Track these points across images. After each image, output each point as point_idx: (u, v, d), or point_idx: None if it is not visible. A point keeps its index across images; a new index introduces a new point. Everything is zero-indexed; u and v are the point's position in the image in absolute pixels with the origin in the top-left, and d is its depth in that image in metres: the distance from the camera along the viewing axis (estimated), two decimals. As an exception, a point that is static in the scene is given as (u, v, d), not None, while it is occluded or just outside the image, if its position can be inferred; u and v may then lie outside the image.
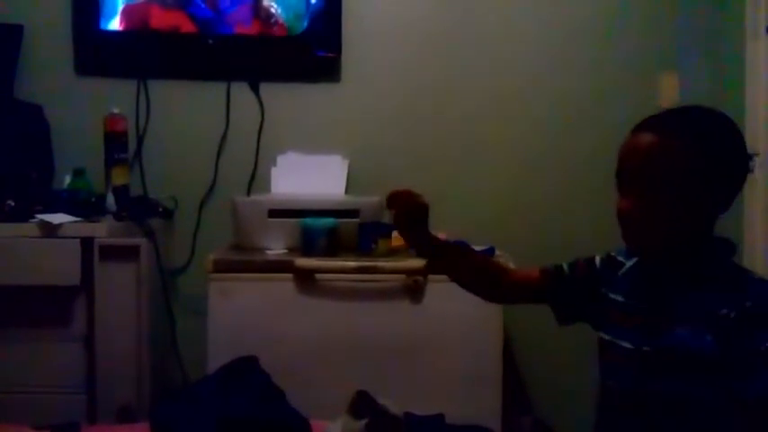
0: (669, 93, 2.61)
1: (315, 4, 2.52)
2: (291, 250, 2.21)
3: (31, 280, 2.07)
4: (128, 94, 2.56)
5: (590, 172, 2.55)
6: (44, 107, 2.46)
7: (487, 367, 2.10)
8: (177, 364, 2.53)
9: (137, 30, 2.49)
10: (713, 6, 2.63)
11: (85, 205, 2.24)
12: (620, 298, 1.36)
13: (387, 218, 2.28)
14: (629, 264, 1.40)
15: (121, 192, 2.36)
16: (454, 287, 1.54)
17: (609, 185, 1.35)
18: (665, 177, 1.22)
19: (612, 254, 1.44)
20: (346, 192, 2.52)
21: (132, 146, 2.51)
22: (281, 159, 2.57)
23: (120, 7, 2.48)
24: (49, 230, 2.08)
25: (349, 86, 2.63)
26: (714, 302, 1.22)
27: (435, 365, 2.08)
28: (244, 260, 2.15)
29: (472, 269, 1.55)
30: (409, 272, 2.09)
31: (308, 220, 2.19)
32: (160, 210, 2.48)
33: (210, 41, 2.51)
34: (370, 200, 2.31)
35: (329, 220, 2.19)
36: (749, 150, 2.31)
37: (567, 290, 1.46)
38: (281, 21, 2.52)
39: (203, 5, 2.49)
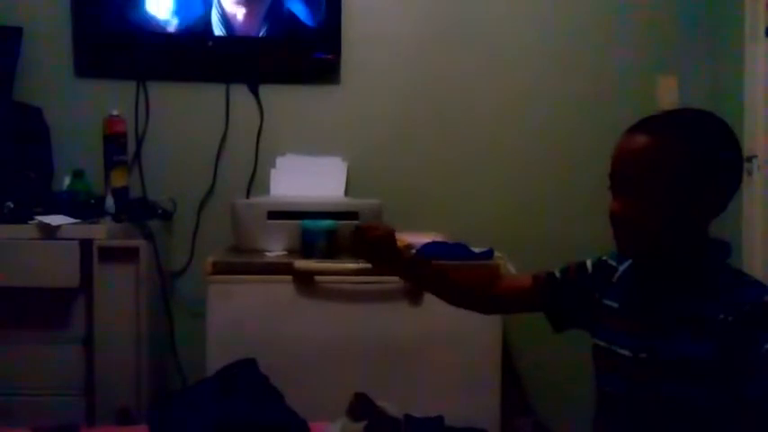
0: (668, 95, 2.61)
1: (314, 5, 2.52)
2: (291, 252, 2.21)
3: (31, 282, 2.07)
4: (127, 95, 2.56)
5: (590, 174, 2.54)
6: (43, 109, 2.46)
7: (486, 369, 2.10)
8: (176, 366, 2.52)
9: (136, 31, 2.49)
10: (712, 9, 2.64)
11: (85, 207, 2.24)
12: (614, 304, 1.36)
13: (386, 220, 2.29)
14: (621, 268, 1.39)
15: (121, 193, 2.36)
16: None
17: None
18: (656, 178, 1.22)
19: (604, 258, 1.44)
20: (346, 194, 2.52)
21: (132, 148, 2.51)
22: (280, 161, 2.58)
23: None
24: (49, 232, 2.08)
25: (348, 89, 2.63)
26: (712, 307, 1.21)
27: (434, 367, 2.08)
28: (243, 262, 2.14)
29: (458, 286, 1.56)
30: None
31: (308, 222, 2.18)
32: (159, 211, 2.48)
33: (210, 43, 2.51)
34: (370, 202, 2.31)
35: (329, 222, 2.19)
36: (749, 153, 2.35)
37: (560, 296, 1.46)
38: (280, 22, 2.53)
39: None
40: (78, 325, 2.13)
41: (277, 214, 2.25)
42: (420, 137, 2.65)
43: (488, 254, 2.20)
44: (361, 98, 2.64)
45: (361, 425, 1.61)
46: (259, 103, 2.61)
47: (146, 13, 2.48)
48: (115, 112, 2.39)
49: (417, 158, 2.65)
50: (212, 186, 2.61)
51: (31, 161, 2.38)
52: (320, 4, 2.52)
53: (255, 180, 2.60)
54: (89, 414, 2.12)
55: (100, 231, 2.12)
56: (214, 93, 2.59)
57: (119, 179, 2.37)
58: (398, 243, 2.20)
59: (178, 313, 2.54)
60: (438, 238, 2.34)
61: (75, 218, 2.14)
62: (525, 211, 2.66)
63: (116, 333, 2.14)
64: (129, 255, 2.16)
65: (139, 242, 2.19)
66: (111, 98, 2.51)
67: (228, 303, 2.07)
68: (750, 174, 2.37)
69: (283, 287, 2.08)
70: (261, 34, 2.53)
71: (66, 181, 2.40)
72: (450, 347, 2.09)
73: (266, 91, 2.62)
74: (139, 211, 2.35)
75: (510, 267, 2.12)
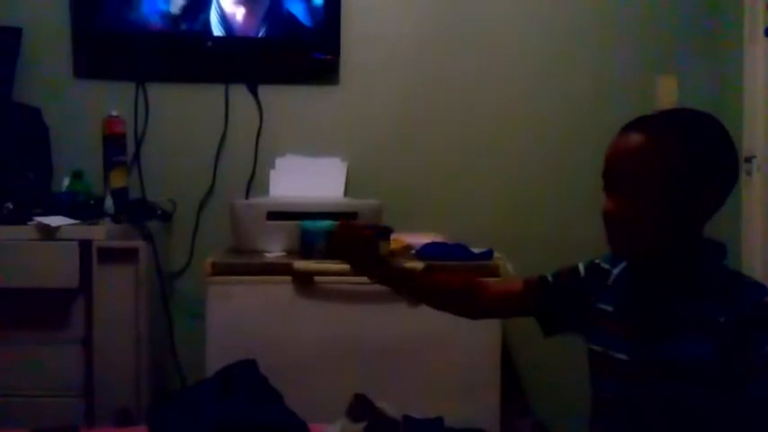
0: (668, 95, 2.61)
1: (314, 6, 2.52)
2: (290, 253, 2.20)
3: (30, 282, 2.07)
4: (126, 96, 2.56)
5: (589, 175, 2.52)
6: (43, 110, 2.46)
7: (486, 370, 2.10)
8: (176, 367, 2.52)
9: (135, 32, 2.49)
10: (712, 9, 2.63)
11: (84, 208, 2.24)
12: (609, 308, 1.34)
13: (385, 220, 2.29)
14: (615, 271, 1.38)
15: (120, 194, 2.36)
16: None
17: (608, 189, 1.34)
18: (653, 178, 1.21)
19: (597, 261, 1.42)
20: (345, 194, 2.52)
21: (131, 148, 2.51)
22: (279, 162, 2.57)
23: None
24: (48, 233, 2.08)
25: (348, 89, 2.63)
26: (711, 310, 1.21)
27: (434, 368, 2.08)
28: (242, 263, 2.14)
29: (443, 295, 1.53)
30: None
31: (307, 223, 2.18)
32: (159, 212, 2.48)
33: (209, 44, 2.51)
34: (369, 202, 2.31)
35: (328, 223, 2.18)
36: (748, 153, 2.34)
37: (553, 300, 1.44)
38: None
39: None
40: (78, 326, 2.13)
41: (276, 215, 2.25)
42: (419, 137, 2.65)
43: (488, 254, 2.20)
44: (361, 98, 2.64)
45: (361, 426, 1.61)
46: (258, 103, 2.61)
47: (145, 13, 2.48)
48: (114, 113, 2.39)
49: (417, 159, 2.64)
50: (212, 187, 2.61)
51: (31, 162, 2.38)
52: (319, 5, 2.52)
53: (255, 181, 2.60)
54: (88, 415, 2.12)
55: (99, 232, 2.12)
56: (213, 93, 2.59)
57: (118, 180, 2.37)
58: (396, 244, 2.22)
59: (177, 314, 2.54)
60: (437, 238, 2.34)
61: (75, 219, 2.14)
62: (525, 211, 2.65)
63: (115, 334, 2.14)
64: (128, 255, 2.16)
65: (139, 243, 2.19)
66: (111, 99, 2.51)
67: (228, 304, 2.07)
68: (750, 174, 2.37)
69: (283, 288, 2.08)
70: (260, 35, 2.53)
71: (66, 182, 2.40)
72: (450, 348, 2.08)
73: (265, 91, 2.62)
74: (139, 212, 2.35)
75: (509, 268, 2.12)
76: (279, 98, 2.62)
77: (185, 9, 2.49)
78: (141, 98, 2.57)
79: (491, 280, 1.81)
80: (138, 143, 2.57)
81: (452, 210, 2.63)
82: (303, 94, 2.63)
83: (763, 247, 2.34)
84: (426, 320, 2.03)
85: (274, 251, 2.23)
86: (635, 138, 1.24)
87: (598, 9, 2.66)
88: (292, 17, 2.52)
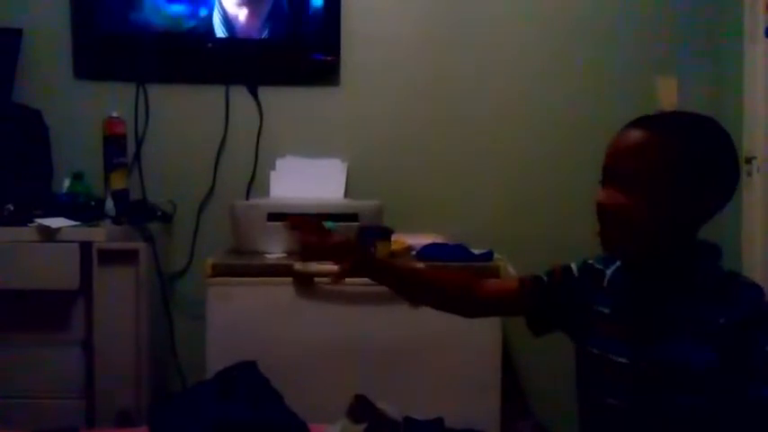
0: (668, 96, 2.61)
1: (313, 7, 2.52)
2: (290, 254, 2.20)
3: (30, 284, 2.07)
4: (127, 97, 2.56)
5: (589, 175, 2.53)
6: (43, 111, 2.46)
7: (486, 371, 2.10)
8: (176, 368, 2.52)
9: (135, 33, 2.49)
10: (712, 9, 2.63)
11: (84, 209, 2.24)
12: (605, 309, 1.34)
13: (386, 221, 2.29)
14: (609, 272, 1.37)
15: (120, 196, 2.35)
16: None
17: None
18: (650, 175, 1.21)
19: (590, 262, 1.42)
20: (345, 195, 2.52)
21: (131, 149, 2.51)
22: (279, 163, 2.57)
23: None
24: (48, 235, 2.08)
25: (348, 90, 2.63)
26: (709, 311, 1.21)
27: (434, 369, 2.08)
28: (243, 264, 2.14)
29: (436, 291, 1.51)
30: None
31: (307, 224, 2.18)
32: (159, 214, 2.48)
33: (209, 45, 2.51)
34: (370, 203, 2.31)
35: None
36: (748, 154, 2.34)
37: (549, 299, 1.43)
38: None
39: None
40: (78, 327, 2.13)
41: (277, 216, 2.24)
42: (419, 137, 2.65)
43: (488, 255, 2.20)
44: (361, 99, 2.64)
45: (362, 427, 1.61)
46: (258, 104, 2.61)
47: (145, 14, 2.48)
48: (115, 114, 2.38)
49: (417, 159, 2.64)
50: (212, 188, 2.61)
51: (31, 163, 2.38)
52: (319, 6, 2.51)
53: (255, 182, 2.60)
54: (89, 416, 2.12)
55: (99, 234, 2.12)
56: (213, 94, 2.59)
57: (118, 181, 2.37)
58: (396, 245, 2.22)
59: (178, 315, 2.54)
60: (438, 239, 2.34)
61: (75, 220, 2.14)
62: (525, 211, 2.65)
63: (116, 335, 2.14)
64: (128, 257, 2.16)
65: (139, 244, 2.19)
66: (111, 100, 2.51)
67: (228, 305, 2.07)
68: (750, 175, 2.36)
69: (283, 289, 2.08)
70: (263, 36, 2.53)
71: (66, 183, 2.39)
72: (450, 349, 2.08)
73: (266, 92, 2.62)
74: (139, 214, 2.36)
75: (510, 269, 2.12)
76: (279, 99, 2.62)
77: (187, 11, 2.49)
78: (142, 99, 2.57)
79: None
80: (139, 144, 2.57)
81: (452, 210, 2.63)
82: (303, 95, 2.63)
83: (763, 248, 2.34)
84: (427, 322, 2.04)
85: (275, 252, 2.23)
86: (639, 135, 1.24)
87: (598, 9, 2.66)
88: (294, 18, 2.52)
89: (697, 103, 2.49)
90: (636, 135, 1.24)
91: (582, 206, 2.55)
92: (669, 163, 1.21)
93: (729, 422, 1.19)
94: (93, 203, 2.30)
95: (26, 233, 2.08)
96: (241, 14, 2.52)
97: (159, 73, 2.58)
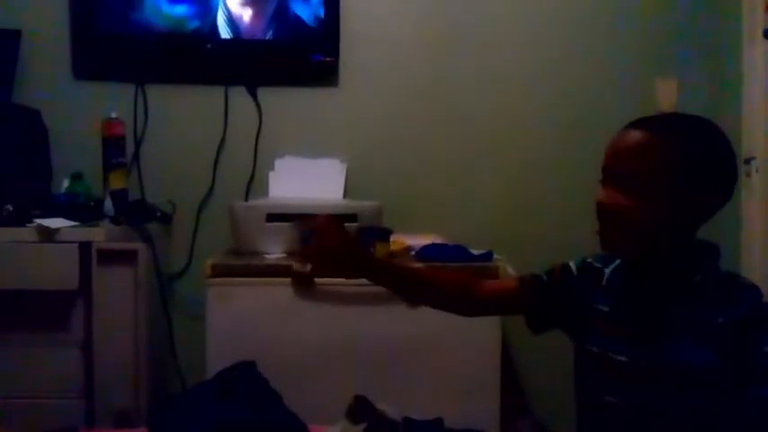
0: (667, 97, 2.61)
1: (313, 7, 2.52)
2: (290, 254, 2.20)
3: (29, 284, 2.07)
4: (126, 98, 2.56)
5: (589, 176, 2.53)
6: (42, 111, 2.46)
7: (486, 371, 2.10)
8: (175, 368, 2.52)
9: (134, 34, 2.49)
10: (711, 11, 2.63)
11: (83, 209, 2.24)
12: (605, 308, 1.34)
13: (385, 222, 2.29)
14: (608, 271, 1.38)
15: (119, 196, 2.35)
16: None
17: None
18: (650, 175, 1.21)
19: (589, 260, 1.42)
20: (344, 196, 2.52)
21: (130, 150, 2.51)
22: (279, 163, 2.57)
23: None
24: (47, 235, 2.08)
25: (347, 91, 2.63)
26: (708, 311, 1.21)
27: (434, 369, 2.08)
28: (242, 264, 2.14)
29: (436, 288, 1.51)
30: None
31: (307, 224, 2.18)
32: (158, 214, 2.48)
33: (209, 46, 2.51)
34: (369, 204, 2.31)
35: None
36: (747, 154, 2.34)
37: (548, 297, 1.43)
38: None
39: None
40: (77, 328, 2.13)
41: (276, 216, 2.24)
42: (419, 138, 2.65)
43: (487, 256, 2.20)
44: (360, 100, 2.64)
45: (361, 427, 1.61)
46: (258, 105, 2.61)
47: (144, 15, 2.48)
48: (114, 115, 2.38)
49: (416, 160, 2.64)
50: (211, 189, 2.61)
51: (30, 164, 2.38)
52: (319, 7, 2.51)
53: (254, 182, 2.60)
54: (88, 417, 2.12)
55: (99, 234, 2.12)
56: (213, 95, 2.59)
57: (117, 182, 2.37)
58: (396, 245, 2.22)
59: (177, 316, 2.54)
60: (437, 239, 2.34)
61: (74, 220, 2.14)
62: (525, 211, 2.65)
63: (115, 336, 2.14)
64: (127, 257, 2.16)
65: (138, 245, 2.19)
66: (110, 100, 2.51)
67: (228, 306, 2.07)
68: (749, 175, 2.36)
69: (282, 289, 2.08)
70: (267, 37, 2.52)
71: (65, 183, 2.39)
72: (450, 349, 2.08)
73: (265, 93, 2.61)
74: (138, 214, 2.35)
75: (509, 269, 2.12)
76: (278, 100, 2.62)
77: (186, 11, 2.49)
78: (141, 100, 2.57)
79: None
80: (138, 145, 2.57)
81: (452, 211, 2.63)
82: (302, 96, 2.63)
83: (762, 248, 2.34)
84: (426, 322, 2.04)
85: (274, 253, 2.22)
86: (638, 136, 1.25)
87: (598, 10, 2.66)
88: (296, 19, 2.52)
89: (696, 104, 2.49)
90: (635, 136, 1.25)
91: (582, 206, 2.55)
92: (668, 164, 1.22)
93: (729, 422, 1.19)
94: (92, 204, 2.29)
95: (25, 233, 2.08)
96: (245, 15, 2.52)
97: (158, 73, 2.58)
